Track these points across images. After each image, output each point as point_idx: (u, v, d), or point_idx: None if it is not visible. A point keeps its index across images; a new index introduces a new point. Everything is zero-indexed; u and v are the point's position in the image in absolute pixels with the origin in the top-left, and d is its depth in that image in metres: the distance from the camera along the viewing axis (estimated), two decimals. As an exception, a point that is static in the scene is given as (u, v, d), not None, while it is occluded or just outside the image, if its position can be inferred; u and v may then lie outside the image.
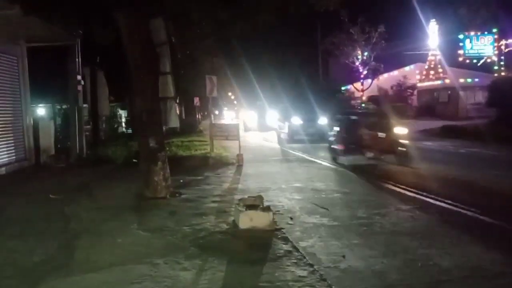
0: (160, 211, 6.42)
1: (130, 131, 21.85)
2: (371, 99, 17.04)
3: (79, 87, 12.75)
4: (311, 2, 7.57)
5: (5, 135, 10.76)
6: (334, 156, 11.58)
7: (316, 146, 15.50)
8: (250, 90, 33.25)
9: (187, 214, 6.20)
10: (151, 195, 7.16)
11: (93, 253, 4.67)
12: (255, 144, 18.28)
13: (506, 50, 30.36)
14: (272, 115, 24.28)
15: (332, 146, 11.79)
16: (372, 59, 36.66)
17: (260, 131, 25.56)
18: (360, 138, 10.46)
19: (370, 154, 10.14)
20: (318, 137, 16.81)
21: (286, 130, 19.86)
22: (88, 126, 16.33)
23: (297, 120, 19.34)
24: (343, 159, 10.95)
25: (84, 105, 14.50)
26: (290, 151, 14.94)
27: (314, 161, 12.12)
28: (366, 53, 36.82)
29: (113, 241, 5.05)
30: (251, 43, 19.87)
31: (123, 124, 24.31)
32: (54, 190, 7.97)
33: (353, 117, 11.59)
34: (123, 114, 25.53)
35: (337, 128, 11.57)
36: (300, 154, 13.97)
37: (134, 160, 10.61)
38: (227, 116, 52.20)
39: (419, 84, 36.90)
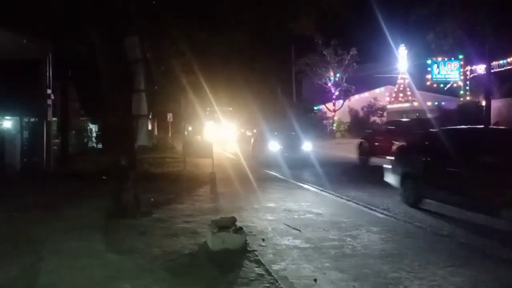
0: (130, 232, 6.25)
1: (100, 146, 21.40)
2: None
3: (49, 101, 12.45)
4: (290, 26, 7.72)
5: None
6: None
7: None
8: (222, 107, 33.33)
9: (158, 235, 6.07)
10: (120, 215, 6.97)
11: (58, 277, 4.49)
12: (226, 161, 18.18)
13: (471, 75, 31.72)
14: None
15: None
16: (344, 81, 37.58)
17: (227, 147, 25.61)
18: None
19: None
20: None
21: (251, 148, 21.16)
22: (57, 140, 15.91)
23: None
24: None
25: (54, 119, 14.15)
26: (262, 170, 14.96)
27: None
28: (338, 75, 37.72)
29: (80, 264, 4.87)
30: (224, 61, 20.12)
31: (93, 139, 23.77)
32: (18, 207, 7.66)
33: None
34: (93, 128, 24.96)
35: None
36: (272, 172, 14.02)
37: (103, 177, 10.36)
38: (198, 132, 51.96)
39: (388, 106, 37.95)
